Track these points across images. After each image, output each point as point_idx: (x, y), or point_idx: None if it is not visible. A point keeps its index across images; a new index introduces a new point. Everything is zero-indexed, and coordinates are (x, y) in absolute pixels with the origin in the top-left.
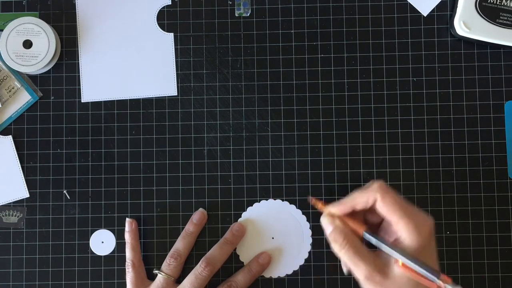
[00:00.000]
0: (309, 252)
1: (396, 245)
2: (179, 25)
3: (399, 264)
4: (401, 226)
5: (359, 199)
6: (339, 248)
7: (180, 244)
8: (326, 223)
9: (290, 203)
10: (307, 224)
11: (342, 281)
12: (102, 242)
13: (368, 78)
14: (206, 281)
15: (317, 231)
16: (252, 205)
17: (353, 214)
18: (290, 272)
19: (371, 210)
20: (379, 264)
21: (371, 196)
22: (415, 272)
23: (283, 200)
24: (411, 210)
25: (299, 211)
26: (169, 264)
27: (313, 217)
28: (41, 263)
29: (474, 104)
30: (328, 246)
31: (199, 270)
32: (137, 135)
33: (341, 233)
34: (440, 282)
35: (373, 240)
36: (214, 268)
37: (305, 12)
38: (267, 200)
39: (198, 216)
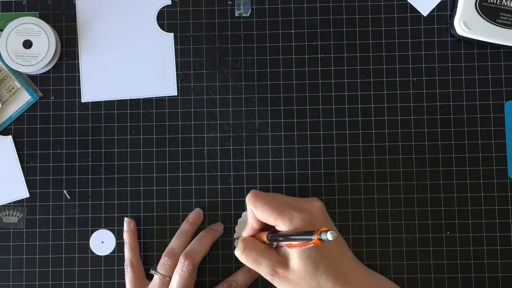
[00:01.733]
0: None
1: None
2: (179, 25)
3: (286, 246)
4: (280, 227)
5: (249, 219)
6: (240, 255)
7: (175, 243)
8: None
9: None
10: None
11: None
12: (102, 242)
13: (368, 78)
14: (192, 275)
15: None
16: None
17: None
18: None
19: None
20: (280, 259)
21: (250, 212)
22: (300, 244)
23: None
24: (287, 205)
25: None
26: (164, 263)
27: None
28: (41, 263)
29: (474, 104)
30: None
31: (180, 267)
32: (137, 135)
33: (241, 242)
34: (315, 236)
35: (277, 239)
36: (194, 260)
37: (305, 12)
38: None
39: (194, 216)
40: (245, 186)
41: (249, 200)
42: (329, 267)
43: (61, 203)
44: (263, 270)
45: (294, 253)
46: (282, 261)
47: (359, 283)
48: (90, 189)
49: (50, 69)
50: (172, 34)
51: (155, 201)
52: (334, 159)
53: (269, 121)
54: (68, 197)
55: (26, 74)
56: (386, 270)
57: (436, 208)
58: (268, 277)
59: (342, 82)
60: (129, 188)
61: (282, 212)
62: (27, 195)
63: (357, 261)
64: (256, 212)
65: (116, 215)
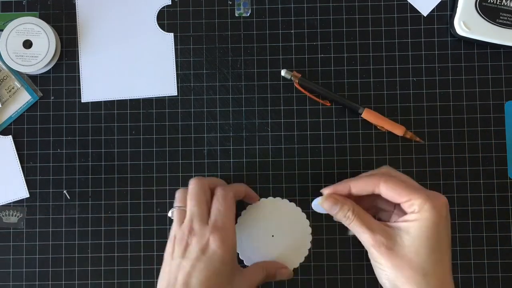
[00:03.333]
0: (309, 250)
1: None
2: (179, 25)
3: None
4: (414, 203)
5: (359, 186)
6: (347, 221)
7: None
8: (330, 205)
9: (290, 201)
10: (307, 222)
11: (342, 281)
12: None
13: (368, 78)
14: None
15: (317, 230)
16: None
17: (361, 200)
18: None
19: (382, 198)
20: (386, 232)
21: (371, 183)
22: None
23: (283, 198)
24: (420, 188)
25: (299, 209)
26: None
27: (313, 216)
28: (41, 263)
29: (474, 104)
30: (327, 246)
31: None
32: (137, 135)
33: (346, 207)
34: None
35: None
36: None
37: (305, 12)
38: (266, 198)
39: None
40: None
41: (384, 173)
42: (439, 262)
43: (61, 203)
44: (366, 241)
45: (413, 229)
46: (389, 235)
47: None
48: (90, 189)
49: (50, 69)
50: (172, 34)
51: (155, 201)
52: (334, 159)
53: (269, 121)
54: (68, 197)
55: (26, 74)
56: None
57: None
58: (369, 247)
59: (342, 82)
60: (129, 188)
61: (419, 190)
62: (27, 195)
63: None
64: (385, 188)
65: (116, 215)
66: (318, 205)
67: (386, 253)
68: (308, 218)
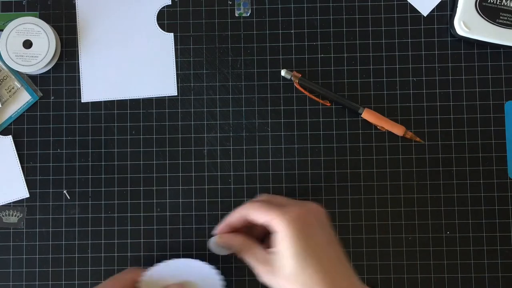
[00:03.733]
0: None
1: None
2: (179, 25)
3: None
4: (270, 223)
5: (234, 218)
6: (238, 256)
7: None
8: (221, 243)
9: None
10: (218, 277)
11: None
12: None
13: (368, 78)
14: None
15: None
16: (157, 264)
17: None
18: None
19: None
20: (267, 260)
21: (244, 212)
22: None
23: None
24: (285, 204)
25: (207, 266)
26: None
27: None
28: (41, 263)
29: (474, 104)
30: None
31: None
32: (137, 135)
33: (235, 244)
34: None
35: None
36: None
37: (305, 12)
38: (167, 261)
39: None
40: (245, 186)
41: (251, 202)
42: (319, 272)
43: (61, 203)
44: (256, 269)
45: (282, 249)
46: (272, 260)
47: None
48: (90, 189)
49: (50, 69)
50: (172, 34)
51: (155, 201)
52: (334, 159)
53: (269, 121)
54: (68, 197)
55: (26, 74)
56: (386, 270)
57: (436, 208)
58: (261, 276)
59: (342, 82)
60: (129, 188)
61: (276, 210)
62: (27, 195)
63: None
64: (252, 212)
65: (116, 215)
66: (215, 245)
67: (272, 278)
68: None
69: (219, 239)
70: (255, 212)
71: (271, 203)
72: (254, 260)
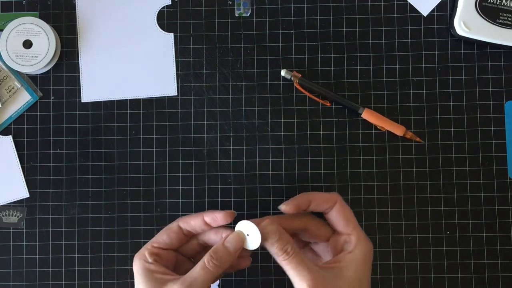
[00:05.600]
0: None
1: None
2: (179, 25)
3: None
4: (351, 239)
5: (319, 197)
6: (285, 256)
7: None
8: (272, 231)
9: None
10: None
11: None
12: (247, 235)
13: (368, 78)
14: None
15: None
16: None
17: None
18: None
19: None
20: (320, 274)
21: (331, 199)
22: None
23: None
24: (359, 226)
25: None
26: None
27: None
28: (41, 263)
29: (474, 104)
30: None
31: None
32: (137, 135)
33: (287, 241)
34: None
35: None
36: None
37: (305, 12)
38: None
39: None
40: (245, 186)
41: (340, 196)
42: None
43: (61, 203)
44: (304, 280)
45: (349, 273)
46: (325, 277)
47: None
48: (90, 189)
49: (50, 69)
50: (172, 34)
51: (155, 201)
52: (334, 159)
53: (269, 121)
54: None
55: (26, 74)
56: (386, 270)
57: (436, 208)
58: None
59: (342, 82)
60: (129, 188)
61: (359, 228)
62: (27, 195)
63: None
64: (340, 209)
65: (116, 215)
66: (249, 241)
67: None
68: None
69: (288, 207)
70: (345, 215)
71: (355, 219)
72: (305, 268)
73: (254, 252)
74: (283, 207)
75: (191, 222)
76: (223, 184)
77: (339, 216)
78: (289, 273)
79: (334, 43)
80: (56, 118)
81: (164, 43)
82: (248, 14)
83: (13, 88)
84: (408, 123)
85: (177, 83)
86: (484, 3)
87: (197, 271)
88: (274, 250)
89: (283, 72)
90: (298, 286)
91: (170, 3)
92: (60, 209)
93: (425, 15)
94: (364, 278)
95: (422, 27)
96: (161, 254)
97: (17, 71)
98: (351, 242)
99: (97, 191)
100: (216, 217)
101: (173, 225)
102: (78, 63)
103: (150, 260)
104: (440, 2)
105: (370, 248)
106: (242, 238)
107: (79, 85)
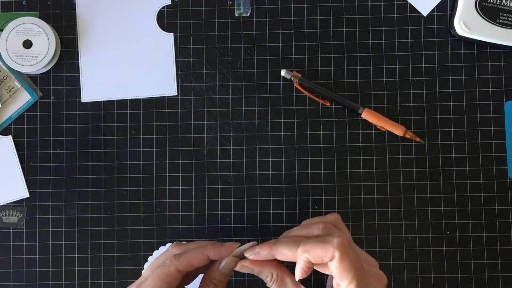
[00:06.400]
0: None
1: None
2: (179, 25)
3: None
4: (345, 285)
5: (316, 251)
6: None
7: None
8: (246, 270)
9: None
10: None
11: None
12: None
13: (368, 78)
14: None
15: None
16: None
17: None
18: None
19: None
20: None
21: (329, 253)
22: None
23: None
24: (364, 271)
25: None
26: None
27: None
28: (41, 263)
29: (474, 104)
30: None
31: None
32: (137, 135)
33: (266, 272)
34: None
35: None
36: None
37: (305, 12)
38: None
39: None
40: (245, 186)
41: (341, 245)
42: None
43: (61, 203)
44: None
45: None
46: None
47: None
48: (90, 189)
49: (50, 69)
50: (172, 34)
51: (155, 201)
52: (334, 159)
53: (269, 121)
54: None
55: (26, 74)
56: (386, 270)
57: (436, 208)
58: None
59: (342, 82)
60: (129, 188)
61: (362, 276)
62: (27, 195)
63: None
64: (339, 263)
65: (116, 215)
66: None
67: None
68: None
69: (243, 267)
70: (339, 269)
71: (361, 266)
72: None
73: None
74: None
75: (195, 264)
76: (223, 184)
77: (336, 270)
78: None
79: (334, 43)
80: (56, 118)
81: (164, 43)
82: (248, 14)
83: (13, 88)
84: (408, 123)
85: (177, 83)
86: (484, 3)
87: None
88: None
89: (283, 72)
90: None
91: (170, 3)
92: (60, 209)
93: (425, 15)
94: None
95: (422, 27)
96: None
97: (17, 71)
98: (341, 280)
99: (97, 191)
100: (221, 253)
101: (171, 270)
102: (78, 63)
103: None
104: (440, 2)
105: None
106: (235, 261)
107: (79, 85)
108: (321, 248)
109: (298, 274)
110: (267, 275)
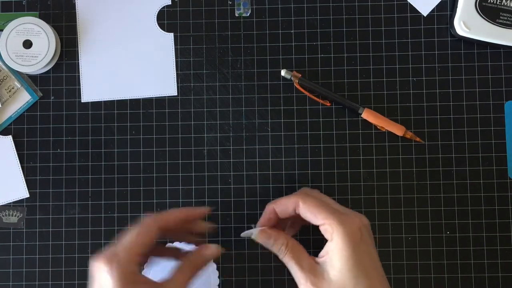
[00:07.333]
0: None
1: (328, 248)
2: (179, 25)
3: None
4: (327, 228)
5: (280, 203)
6: (284, 251)
7: None
8: (263, 240)
9: None
10: (216, 273)
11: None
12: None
13: (368, 78)
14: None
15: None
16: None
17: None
18: None
19: (295, 222)
20: (314, 269)
21: (292, 202)
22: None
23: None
24: (338, 210)
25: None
26: None
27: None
28: (41, 263)
29: (474, 104)
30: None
31: None
32: (137, 135)
33: (280, 241)
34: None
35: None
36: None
37: (305, 12)
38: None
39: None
40: (245, 186)
41: (301, 192)
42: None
43: (61, 203)
44: (296, 274)
45: (335, 261)
46: (319, 270)
47: None
48: (90, 189)
49: (50, 69)
50: (172, 34)
51: (155, 201)
52: (334, 159)
53: (269, 121)
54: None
55: (26, 74)
56: (386, 270)
57: (436, 208)
58: (300, 284)
59: (342, 82)
60: (129, 188)
61: (334, 213)
62: (27, 195)
63: None
64: (303, 207)
65: (116, 215)
66: (255, 237)
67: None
68: (218, 269)
69: (261, 235)
70: (310, 210)
71: (327, 205)
72: (298, 265)
73: (254, 252)
74: (256, 236)
75: (171, 219)
76: (223, 184)
77: (306, 213)
78: (288, 268)
79: (334, 43)
80: (56, 118)
81: (164, 43)
82: (248, 14)
83: (13, 88)
84: (408, 123)
85: (177, 83)
86: (484, 3)
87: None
88: (273, 251)
89: (283, 72)
90: (295, 280)
91: (170, 3)
92: (60, 209)
93: (425, 15)
94: (355, 265)
95: (422, 27)
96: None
97: (17, 71)
98: (328, 231)
99: (97, 191)
100: (195, 212)
101: (149, 222)
102: (78, 63)
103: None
104: (440, 2)
105: (354, 227)
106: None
107: (79, 85)
108: (286, 199)
109: (258, 225)
110: (280, 246)
